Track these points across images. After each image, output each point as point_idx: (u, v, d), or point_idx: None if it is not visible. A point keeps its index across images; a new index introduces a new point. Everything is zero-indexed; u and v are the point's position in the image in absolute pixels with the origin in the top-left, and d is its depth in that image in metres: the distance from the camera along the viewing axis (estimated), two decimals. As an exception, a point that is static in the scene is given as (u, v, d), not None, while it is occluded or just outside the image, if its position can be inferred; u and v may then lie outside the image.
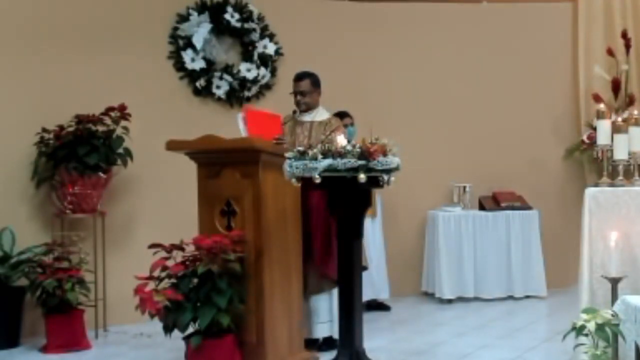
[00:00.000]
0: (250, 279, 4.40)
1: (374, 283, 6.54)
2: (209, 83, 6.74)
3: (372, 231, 6.55)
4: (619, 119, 4.44)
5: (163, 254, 4.30)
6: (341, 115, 6.07)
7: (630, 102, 7.01)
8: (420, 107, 7.43)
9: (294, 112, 5.27)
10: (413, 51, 7.45)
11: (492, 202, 7.28)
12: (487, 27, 7.61)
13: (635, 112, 4.44)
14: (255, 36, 6.92)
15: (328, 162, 3.88)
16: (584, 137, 7.27)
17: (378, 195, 6.57)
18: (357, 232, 4.23)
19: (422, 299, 7.21)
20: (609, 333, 3.56)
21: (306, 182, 3.98)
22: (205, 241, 4.25)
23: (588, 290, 4.20)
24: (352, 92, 6.95)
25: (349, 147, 3.90)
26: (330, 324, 5.06)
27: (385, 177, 3.98)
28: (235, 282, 4.29)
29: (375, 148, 3.90)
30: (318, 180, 3.88)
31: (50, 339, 5.34)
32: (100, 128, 5.87)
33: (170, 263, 4.28)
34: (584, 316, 3.62)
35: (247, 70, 6.86)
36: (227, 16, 6.78)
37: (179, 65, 6.68)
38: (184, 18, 6.70)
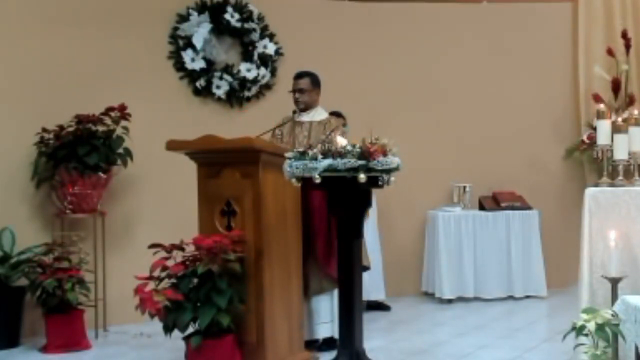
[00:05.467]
0: (250, 279, 4.40)
1: (370, 283, 6.51)
2: (209, 83, 6.74)
3: (366, 232, 6.51)
4: (619, 119, 4.43)
5: (163, 254, 4.30)
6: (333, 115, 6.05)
7: (630, 102, 7.00)
8: (420, 106, 7.43)
9: (294, 112, 5.27)
10: (413, 51, 7.45)
11: (492, 202, 7.28)
12: (487, 27, 7.60)
13: (635, 112, 4.44)
14: (255, 36, 6.92)
15: (328, 162, 3.88)
16: (584, 137, 7.27)
17: (373, 195, 6.54)
18: (357, 232, 4.24)
19: (422, 299, 7.21)
20: (609, 333, 3.56)
21: (306, 182, 3.99)
22: (205, 241, 4.25)
23: (588, 290, 4.20)
24: (352, 92, 6.96)
25: (349, 147, 3.90)
26: (331, 324, 5.06)
27: (385, 177, 3.99)
28: (235, 282, 4.29)
29: (375, 148, 3.90)
30: (318, 180, 3.89)
31: (50, 339, 5.34)
32: (100, 128, 5.87)
33: (170, 263, 4.28)
34: (584, 316, 3.62)
35: (247, 70, 6.86)
36: (227, 16, 6.78)
37: (179, 65, 6.68)
38: (184, 18, 6.70)
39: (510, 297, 7.09)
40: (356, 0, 7.44)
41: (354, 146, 3.91)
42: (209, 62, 6.75)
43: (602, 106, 4.63)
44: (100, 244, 5.89)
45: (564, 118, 7.68)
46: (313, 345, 5.08)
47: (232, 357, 4.28)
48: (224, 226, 4.51)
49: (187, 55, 6.65)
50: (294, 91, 5.25)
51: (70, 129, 5.76)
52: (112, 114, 5.87)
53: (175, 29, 6.68)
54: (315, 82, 5.28)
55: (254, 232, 4.42)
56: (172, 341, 4.57)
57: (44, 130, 5.75)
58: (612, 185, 4.33)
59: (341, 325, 4.20)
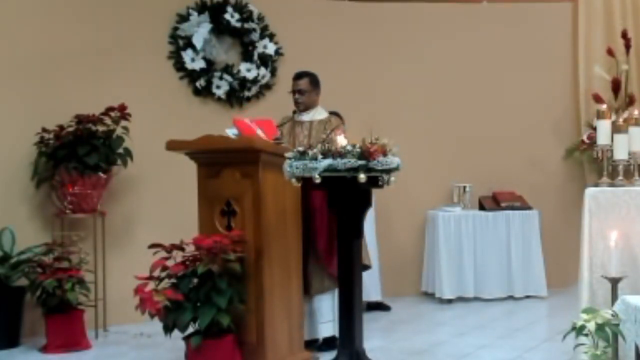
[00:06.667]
0: (250, 279, 4.40)
1: (365, 284, 6.48)
2: (209, 83, 6.74)
3: (365, 232, 6.49)
4: (619, 119, 4.44)
5: (163, 254, 4.30)
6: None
7: (630, 102, 7.00)
8: (420, 106, 7.43)
9: (294, 112, 5.28)
10: (413, 51, 7.45)
11: (492, 202, 7.28)
12: (487, 27, 7.60)
13: (635, 112, 4.44)
14: (255, 36, 6.92)
15: (328, 162, 3.88)
16: (584, 137, 7.26)
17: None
18: (357, 232, 4.24)
19: (422, 299, 7.21)
20: (609, 333, 3.56)
21: (307, 182, 3.99)
22: (205, 241, 4.26)
23: (588, 290, 4.20)
24: (352, 92, 6.96)
25: (349, 147, 3.90)
26: (333, 323, 5.06)
27: (385, 177, 3.99)
28: (235, 282, 4.29)
29: (375, 148, 3.90)
30: (318, 180, 3.89)
31: (50, 339, 5.34)
32: (100, 128, 5.87)
33: (170, 263, 4.28)
34: (584, 316, 3.62)
35: (247, 70, 6.86)
36: (227, 16, 6.78)
37: (179, 65, 6.68)
38: (184, 18, 6.70)
39: (510, 297, 7.09)
40: (356, 0, 7.44)
41: (354, 146, 3.90)
42: (209, 62, 6.75)
43: (602, 106, 4.63)
44: (100, 244, 5.89)
45: (564, 118, 7.68)
46: (313, 345, 5.08)
47: (232, 357, 4.28)
48: (224, 226, 4.51)
49: (187, 55, 6.65)
50: (294, 92, 5.25)
51: (70, 129, 5.76)
52: (112, 114, 5.87)
53: (175, 29, 6.68)
54: (315, 82, 5.29)
55: (254, 232, 4.42)
56: (172, 341, 4.57)
57: (44, 130, 5.75)
58: (612, 185, 4.33)
59: (341, 325, 4.20)
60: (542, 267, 7.15)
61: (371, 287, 6.63)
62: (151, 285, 4.21)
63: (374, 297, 6.70)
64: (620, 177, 4.35)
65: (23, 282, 5.51)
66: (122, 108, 5.87)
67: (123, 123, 5.89)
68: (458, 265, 7.01)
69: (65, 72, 6.00)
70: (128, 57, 6.32)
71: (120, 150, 5.90)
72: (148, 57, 6.48)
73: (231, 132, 4.80)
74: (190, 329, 4.29)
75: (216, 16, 6.77)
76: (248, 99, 6.92)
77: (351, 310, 4.15)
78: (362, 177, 3.87)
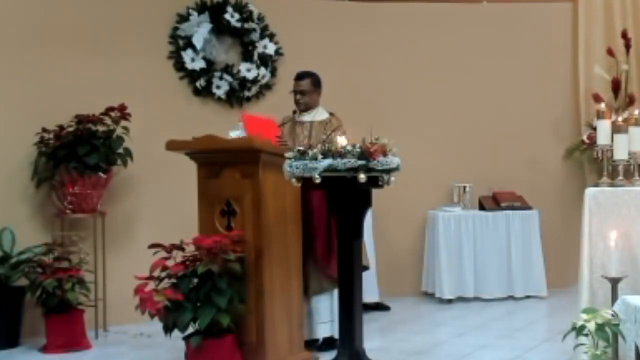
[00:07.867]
0: (250, 279, 4.40)
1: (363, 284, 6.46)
2: (209, 83, 6.74)
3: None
4: (619, 119, 4.44)
5: (163, 254, 4.30)
6: None
7: (630, 102, 7.00)
8: (420, 106, 7.43)
9: (294, 112, 5.28)
10: (413, 51, 7.45)
11: (492, 202, 7.28)
12: (487, 27, 7.60)
13: (636, 112, 4.44)
14: (255, 36, 6.92)
15: (328, 162, 3.88)
16: (584, 137, 7.27)
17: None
18: (357, 232, 4.23)
19: (422, 299, 7.21)
20: (609, 333, 3.56)
21: (306, 182, 3.99)
22: (205, 241, 4.26)
23: (588, 290, 4.20)
24: (352, 92, 6.96)
25: (349, 147, 3.90)
26: (331, 323, 5.06)
27: (385, 177, 3.99)
28: (235, 282, 4.29)
29: (375, 148, 3.90)
30: (318, 180, 3.89)
31: (50, 339, 5.34)
32: (100, 128, 5.87)
33: (170, 263, 4.28)
34: (584, 316, 3.63)
35: (247, 70, 6.86)
36: (227, 16, 6.78)
37: (179, 65, 6.68)
38: (184, 18, 6.70)
39: (511, 297, 7.09)
40: (356, 0, 7.44)
41: (354, 146, 3.90)
42: (209, 62, 6.75)
43: (602, 106, 4.63)
44: (100, 244, 5.89)
45: (564, 118, 7.68)
46: (313, 345, 5.09)
47: (232, 357, 4.28)
48: (224, 226, 4.51)
49: (187, 55, 6.65)
50: (295, 92, 5.25)
51: (70, 129, 5.76)
52: (112, 114, 5.87)
53: (175, 29, 6.68)
54: (316, 82, 5.29)
55: (254, 232, 4.42)
56: (172, 341, 4.57)
57: (44, 130, 5.75)
58: (612, 185, 4.33)
59: (341, 325, 4.20)
60: (542, 267, 7.15)
61: (367, 288, 6.62)
62: (151, 285, 4.21)
63: (371, 298, 6.68)
64: (620, 177, 4.35)
65: (23, 282, 5.51)
66: (122, 108, 5.87)
67: (123, 123, 5.89)
68: (458, 265, 7.01)
69: (65, 72, 6.00)
70: (128, 57, 6.32)
71: (120, 150, 5.90)
72: (148, 57, 6.48)
73: (234, 134, 4.81)
74: (190, 329, 4.29)
75: (216, 16, 6.77)
76: (248, 99, 6.92)
77: (351, 311, 4.15)
78: (362, 177, 3.87)
